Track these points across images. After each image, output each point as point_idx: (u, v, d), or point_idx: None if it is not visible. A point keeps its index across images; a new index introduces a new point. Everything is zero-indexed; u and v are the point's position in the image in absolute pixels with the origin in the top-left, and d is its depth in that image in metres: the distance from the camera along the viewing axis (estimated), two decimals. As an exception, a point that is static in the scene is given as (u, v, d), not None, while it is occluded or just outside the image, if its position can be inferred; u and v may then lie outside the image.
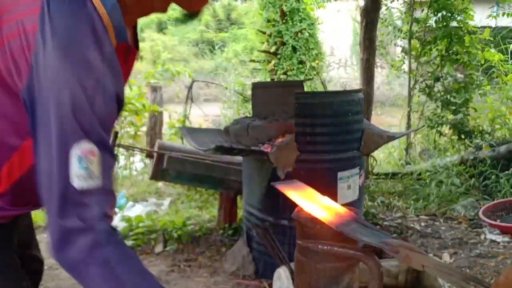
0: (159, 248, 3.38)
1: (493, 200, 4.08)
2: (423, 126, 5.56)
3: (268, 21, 8.73)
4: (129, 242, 3.41)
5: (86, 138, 0.89)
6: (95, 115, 0.90)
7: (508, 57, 6.03)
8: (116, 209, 3.95)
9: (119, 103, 0.97)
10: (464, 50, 5.47)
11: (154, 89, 5.97)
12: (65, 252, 0.90)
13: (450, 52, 5.52)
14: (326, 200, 1.34)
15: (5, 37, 0.92)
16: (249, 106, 5.41)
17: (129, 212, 4.13)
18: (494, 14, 5.74)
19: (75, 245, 0.89)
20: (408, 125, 5.69)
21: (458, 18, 5.47)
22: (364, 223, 1.21)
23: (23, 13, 0.92)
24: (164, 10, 1.06)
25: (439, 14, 5.47)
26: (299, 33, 8.65)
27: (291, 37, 8.59)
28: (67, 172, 0.88)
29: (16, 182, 1.04)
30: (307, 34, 8.78)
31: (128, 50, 1.04)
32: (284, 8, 8.54)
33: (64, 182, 0.88)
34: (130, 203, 4.45)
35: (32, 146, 0.94)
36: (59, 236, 0.90)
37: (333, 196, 2.64)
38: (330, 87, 9.88)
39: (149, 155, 3.99)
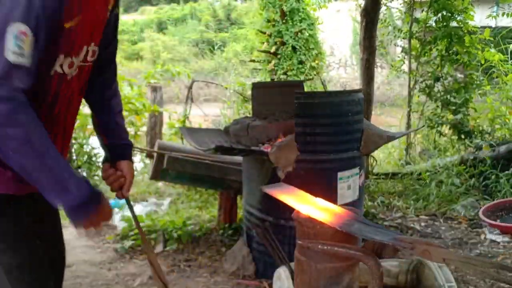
0: (159, 248, 3.38)
1: (493, 200, 4.08)
2: (423, 126, 5.56)
3: (268, 21, 8.73)
4: (129, 242, 3.41)
5: (23, 22, 1.11)
6: (34, 7, 1.12)
7: (508, 57, 6.03)
8: (116, 209, 3.96)
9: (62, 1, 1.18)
10: (464, 50, 5.47)
11: (154, 89, 5.97)
12: None
13: (450, 52, 5.52)
14: (321, 201, 1.34)
15: None
16: (249, 106, 5.41)
17: (129, 212, 4.13)
18: (494, 14, 5.73)
19: None
20: (408, 125, 5.69)
21: (458, 18, 5.47)
22: (365, 222, 1.21)
23: None
24: None
25: (439, 14, 5.46)
26: (299, 33, 8.65)
27: (291, 37, 8.59)
28: (2, 46, 1.10)
29: None
30: (307, 34, 8.78)
31: None
32: (284, 8, 8.54)
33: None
34: (130, 203, 4.44)
35: None
36: None
37: (333, 196, 2.64)
38: (330, 87, 9.88)
39: (149, 155, 3.99)
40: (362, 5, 4.73)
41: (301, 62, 8.62)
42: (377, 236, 1.10)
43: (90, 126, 4.94)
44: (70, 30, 1.26)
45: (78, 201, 1.26)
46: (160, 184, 4.93)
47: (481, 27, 5.77)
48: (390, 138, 3.05)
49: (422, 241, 1.06)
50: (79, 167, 5.49)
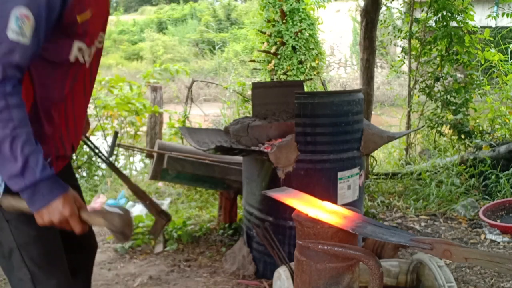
0: (159, 248, 3.38)
1: (493, 200, 4.08)
2: (423, 126, 5.56)
3: (268, 21, 8.73)
4: (129, 242, 3.41)
5: (26, 6, 1.19)
6: None
7: (508, 57, 6.03)
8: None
9: None
10: (464, 50, 5.47)
11: (154, 89, 5.97)
12: None
13: (450, 52, 5.52)
14: (328, 204, 1.33)
15: None
16: (249, 106, 5.41)
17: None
18: (494, 14, 5.74)
19: None
20: (408, 125, 5.69)
21: (458, 18, 5.47)
22: (377, 224, 1.20)
23: None
24: None
25: (439, 14, 5.46)
26: (299, 33, 8.65)
27: (291, 37, 8.59)
28: (5, 25, 1.19)
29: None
30: (307, 34, 8.79)
31: None
32: (284, 8, 8.54)
33: (1, 32, 1.19)
34: (130, 203, 4.45)
35: None
36: None
37: (333, 196, 2.65)
38: (330, 87, 9.89)
39: (149, 155, 3.99)
40: (362, 5, 4.73)
41: (301, 62, 8.62)
42: (393, 238, 1.08)
43: (92, 126, 4.96)
44: (86, 21, 1.34)
45: (40, 177, 1.23)
46: (160, 184, 4.93)
47: (481, 27, 5.78)
48: (390, 138, 3.05)
49: (441, 241, 1.03)
50: (79, 167, 5.49)
